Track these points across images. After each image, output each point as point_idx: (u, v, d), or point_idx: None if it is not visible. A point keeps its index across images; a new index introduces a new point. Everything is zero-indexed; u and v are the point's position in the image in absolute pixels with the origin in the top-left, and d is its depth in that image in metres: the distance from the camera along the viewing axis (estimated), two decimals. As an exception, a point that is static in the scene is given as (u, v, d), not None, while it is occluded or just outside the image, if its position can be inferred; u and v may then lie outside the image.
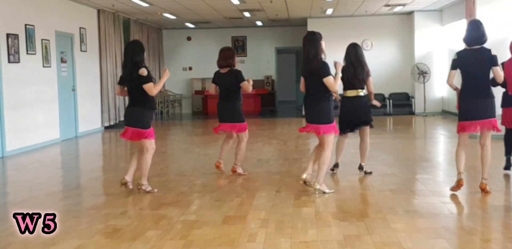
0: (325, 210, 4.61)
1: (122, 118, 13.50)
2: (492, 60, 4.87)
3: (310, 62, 5.20)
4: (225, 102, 6.23)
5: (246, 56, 17.13)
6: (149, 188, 5.42)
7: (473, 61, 4.91)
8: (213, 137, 10.95)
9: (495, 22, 9.02)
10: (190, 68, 16.85)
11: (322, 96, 5.20)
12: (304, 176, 5.23)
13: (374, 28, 15.24)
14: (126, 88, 5.45)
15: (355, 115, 6.14)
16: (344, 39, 15.16)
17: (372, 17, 15.13)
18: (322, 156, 5.17)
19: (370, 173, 6.16)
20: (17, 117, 8.69)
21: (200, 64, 16.69)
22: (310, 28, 15.44)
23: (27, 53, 9.07)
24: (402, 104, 14.73)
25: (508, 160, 6.22)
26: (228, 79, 6.25)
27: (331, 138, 5.22)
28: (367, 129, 6.27)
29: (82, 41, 11.43)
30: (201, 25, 16.38)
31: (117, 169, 7.44)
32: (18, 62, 8.78)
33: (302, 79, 5.39)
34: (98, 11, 12.25)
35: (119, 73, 13.39)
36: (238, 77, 6.21)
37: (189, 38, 17.26)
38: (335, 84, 5.14)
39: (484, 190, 5.00)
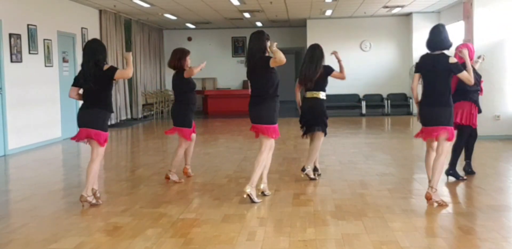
0: (324, 209, 4.63)
1: (123, 118, 13.57)
2: (450, 68, 4.68)
3: (253, 57, 5.00)
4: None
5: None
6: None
7: (431, 67, 4.78)
8: (212, 136, 11.00)
9: (492, 24, 9.09)
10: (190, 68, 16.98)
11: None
12: (261, 186, 5.09)
13: (373, 29, 15.30)
14: (81, 90, 5.10)
15: (312, 116, 5.89)
16: (343, 40, 15.38)
17: (371, 19, 15.19)
18: (257, 158, 4.94)
19: (314, 179, 5.82)
20: (19, 116, 8.74)
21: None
22: (309, 29, 15.56)
23: (30, 53, 9.12)
24: (400, 104, 14.83)
25: (468, 165, 6.02)
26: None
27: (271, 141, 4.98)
28: (320, 134, 5.89)
29: (84, 41, 11.46)
30: (201, 26, 16.43)
31: (117, 168, 7.49)
32: (21, 61, 8.83)
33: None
34: (100, 11, 12.30)
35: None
36: None
37: (189, 39, 17.33)
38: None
39: (428, 200, 4.63)
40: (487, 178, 5.88)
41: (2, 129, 8.30)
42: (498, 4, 9.11)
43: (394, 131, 11.41)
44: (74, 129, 10.88)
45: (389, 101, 14.67)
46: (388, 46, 15.15)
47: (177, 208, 4.75)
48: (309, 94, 5.91)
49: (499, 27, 9.07)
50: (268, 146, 4.99)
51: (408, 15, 14.86)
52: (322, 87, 5.89)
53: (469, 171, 5.97)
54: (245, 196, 4.86)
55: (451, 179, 5.80)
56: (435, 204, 4.62)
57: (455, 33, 13.02)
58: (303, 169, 5.86)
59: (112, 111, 5.13)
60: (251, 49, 5.07)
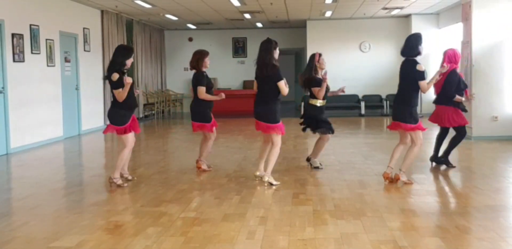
0: (323, 208, 4.66)
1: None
2: (414, 74, 5.35)
3: (266, 67, 5.60)
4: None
5: (246, 57, 17.24)
6: (119, 182, 5.63)
7: (401, 71, 5.49)
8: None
9: (490, 26, 9.14)
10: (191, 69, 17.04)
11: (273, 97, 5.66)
12: (257, 173, 5.82)
13: (372, 30, 15.34)
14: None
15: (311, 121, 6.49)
16: (343, 41, 15.42)
17: (370, 20, 15.23)
18: (271, 151, 5.70)
19: (318, 167, 6.48)
20: (21, 115, 8.79)
21: (201, 65, 16.98)
22: (309, 30, 15.59)
23: (32, 53, 9.16)
24: (398, 105, 14.92)
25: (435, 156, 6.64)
26: None
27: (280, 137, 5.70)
28: (323, 134, 6.47)
29: (85, 41, 11.52)
30: (202, 26, 16.47)
31: (119, 167, 7.52)
32: (23, 61, 8.88)
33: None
34: (102, 12, 12.34)
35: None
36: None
37: (190, 39, 17.38)
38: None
39: (386, 179, 5.57)
40: (485, 178, 5.91)
41: (4, 127, 8.35)
42: (497, 6, 9.14)
43: (392, 131, 11.39)
44: (76, 128, 11.04)
45: (388, 102, 14.71)
46: (387, 47, 15.19)
47: (178, 207, 4.78)
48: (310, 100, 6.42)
49: (498, 28, 9.12)
50: (279, 141, 5.72)
51: (407, 16, 14.90)
52: (314, 96, 6.34)
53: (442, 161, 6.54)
54: (266, 184, 5.60)
55: (443, 166, 6.49)
56: (401, 183, 5.46)
57: (453, 34, 13.12)
58: (308, 159, 6.58)
59: (125, 108, 5.62)
60: (262, 60, 5.62)
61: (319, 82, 6.21)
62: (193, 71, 6.45)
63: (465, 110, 6.43)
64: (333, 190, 5.41)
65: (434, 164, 6.61)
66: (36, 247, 3.72)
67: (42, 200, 5.26)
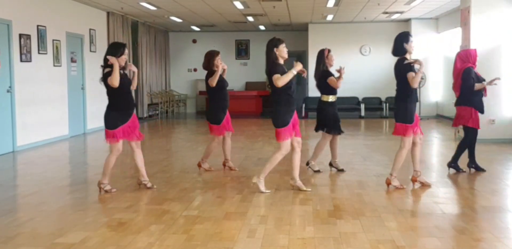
0: (322, 208, 4.69)
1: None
2: (401, 68, 5.38)
3: (267, 66, 5.31)
4: None
5: (249, 59, 17.38)
6: (108, 187, 5.39)
7: (395, 70, 5.54)
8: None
9: (489, 30, 9.19)
10: (195, 70, 17.05)
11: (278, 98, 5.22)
12: (253, 179, 5.38)
13: (373, 34, 15.43)
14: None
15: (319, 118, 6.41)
16: (344, 44, 15.49)
17: (371, 24, 15.31)
18: (272, 155, 5.34)
19: (319, 171, 6.40)
20: (28, 114, 8.88)
21: (204, 66, 17.10)
22: (311, 33, 15.68)
23: (39, 53, 9.26)
24: (398, 107, 14.98)
25: (471, 161, 6.46)
26: None
27: (284, 143, 5.20)
28: (325, 134, 6.35)
29: (91, 42, 11.62)
30: (206, 29, 16.54)
31: (122, 165, 7.59)
32: (30, 61, 8.98)
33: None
34: (108, 13, 12.44)
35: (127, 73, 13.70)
36: None
37: (194, 41, 17.48)
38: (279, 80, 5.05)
39: (388, 185, 5.46)
40: (482, 180, 5.96)
41: (11, 126, 8.45)
42: (495, 11, 9.20)
43: (391, 133, 11.41)
44: (81, 127, 11.13)
45: (387, 104, 14.81)
46: (387, 51, 15.00)
47: (180, 205, 4.83)
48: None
49: (496, 33, 9.18)
50: (281, 147, 5.21)
51: (407, 21, 15.00)
52: (326, 91, 6.27)
53: (473, 167, 6.42)
54: (252, 184, 5.36)
55: (452, 170, 6.38)
56: (392, 188, 5.42)
57: (452, 39, 13.20)
58: (307, 163, 6.43)
59: (116, 110, 5.34)
60: (266, 60, 5.33)
61: (332, 74, 6.18)
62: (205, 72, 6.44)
63: (482, 112, 6.30)
64: (333, 190, 5.48)
65: (472, 170, 6.43)
66: (40, 242, 3.76)
67: (47, 197, 5.33)
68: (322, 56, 6.25)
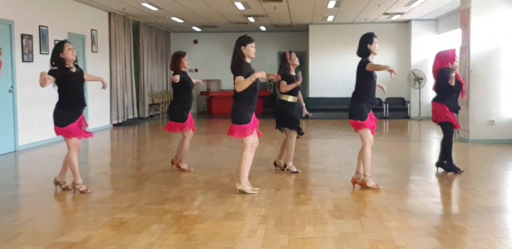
0: (322, 208, 4.71)
1: (130, 117, 13.73)
2: (358, 66, 5.43)
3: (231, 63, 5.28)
4: None
5: (249, 60, 17.46)
6: (83, 188, 5.38)
7: (356, 70, 5.53)
8: (216, 135, 11.14)
9: (488, 32, 9.22)
10: (196, 70, 17.10)
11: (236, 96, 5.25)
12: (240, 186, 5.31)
13: (373, 35, 15.47)
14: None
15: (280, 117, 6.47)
16: (344, 45, 15.51)
17: (371, 25, 15.31)
18: (240, 158, 5.27)
19: (297, 172, 6.37)
20: (29, 113, 8.91)
21: (205, 66, 17.13)
22: (312, 34, 15.71)
23: (41, 53, 9.29)
24: (398, 108, 15.04)
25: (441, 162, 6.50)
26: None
27: (247, 139, 5.19)
28: (289, 131, 6.41)
29: (93, 42, 11.65)
30: (207, 29, 16.57)
31: (124, 164, 7.64)
32: (32, 61, 9.00)
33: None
34: (109, 14, 12.47)
35: (128, 73, 13.80)
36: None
37: (195, 41, 17.50)
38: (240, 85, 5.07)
39: (354, 184, 5.51)
40: (481, 180, 5.97)
41: (13, 125, 8.48)
42: (495, 12, 9.24)
43: (391, 133, 11.46)
44: (82, 127, 11.11)
45: (387, 105, 14.85)
46: (388, 52, 15.27)
47: (181, 205, 4.85)
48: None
49: (495, 34, 9.21)
50: (247, 144, 5.21)
51: (407, 22, 15.05)
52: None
53: (441, 167, 6.45)
54: (238, 192, 5.24)
55: (441, 170, 6.43)
56: (358, 187, 5.44)
57: (452, 40, 13.23)
58: (285, 165, 6.44)
59: (66, 108, 5.45)
60: (232, 57, 5.32)
61: (288, 78, 6.31)
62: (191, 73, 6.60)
63: (456, 111, 6.34)
64: (333, 190, 5.48)
65: (439, 169, 6.48)
66: (42, 242, 3.77)
67: (48, 196, 5.35)
68: (285, 59, 6.50)
